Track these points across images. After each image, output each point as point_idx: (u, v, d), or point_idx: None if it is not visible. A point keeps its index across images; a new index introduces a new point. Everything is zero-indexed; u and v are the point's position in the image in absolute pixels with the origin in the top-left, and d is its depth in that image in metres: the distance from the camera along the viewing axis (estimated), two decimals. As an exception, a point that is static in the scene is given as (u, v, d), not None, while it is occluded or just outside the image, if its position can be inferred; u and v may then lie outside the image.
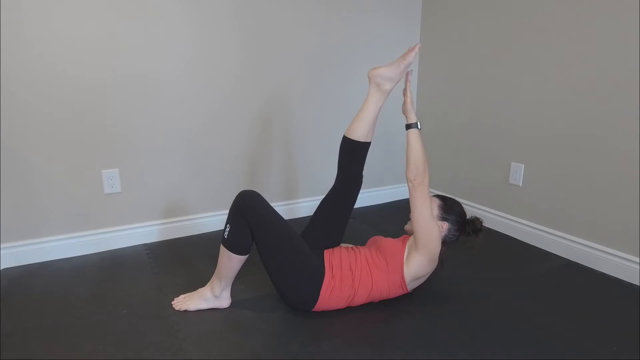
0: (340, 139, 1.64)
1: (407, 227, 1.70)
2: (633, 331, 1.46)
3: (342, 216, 1.67)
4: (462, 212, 1.64)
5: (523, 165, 2.22)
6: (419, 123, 1.55)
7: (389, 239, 1.63)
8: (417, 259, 1.51)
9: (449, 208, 1.62)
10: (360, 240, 2.16)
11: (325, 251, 1.60)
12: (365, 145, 1.60)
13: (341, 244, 1.74)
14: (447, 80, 2.61)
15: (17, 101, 1.80)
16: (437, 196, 1.68)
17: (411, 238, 1.59)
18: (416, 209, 1.50)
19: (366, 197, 2.83)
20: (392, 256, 1.54)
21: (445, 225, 1.59)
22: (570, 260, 2.02)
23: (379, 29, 2.58)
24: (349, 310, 1.55)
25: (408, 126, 1.55)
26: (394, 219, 2.58)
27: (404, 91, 1.60)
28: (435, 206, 1.62)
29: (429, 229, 1.49)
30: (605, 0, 1.78)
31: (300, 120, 2.48)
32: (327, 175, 2.64)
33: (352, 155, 1.61)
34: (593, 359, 1.32)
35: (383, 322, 1.49)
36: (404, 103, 1.58)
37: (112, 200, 2.08)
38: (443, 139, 2.70)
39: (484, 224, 1.65)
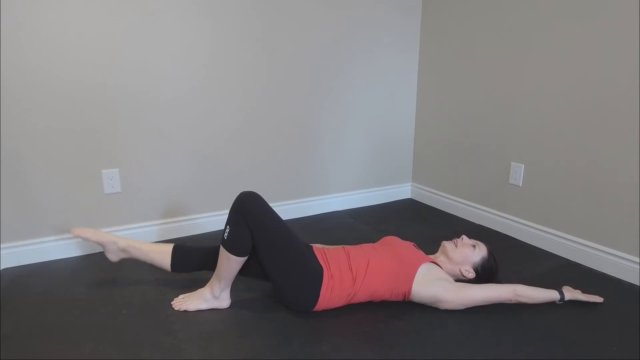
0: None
1: (446, 245, 1.69)
2: (633, 331, 1.46)
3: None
4: (493, 273, 1.66)
5: (523, 165, 2.21)
6: (564, 296, 1.60)
7: (408, 248, 1.62)
8: (443, 298, 1.52)
9: (487, 272, 1.64)
10: (360, 240, 2.16)
11: (315, 250, 1.59)
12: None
13: (313, 245, 1.70)
14: (447, 80, 2.61)
15: (17, 101, 1.80)
16: (490, 254, 1.67)
17: (438, 269, 1.58)
18: (485, 300, 1.54)
19: (366, 197, 2.83)
20: (407, 267, 1.53)
21: (471, 275, 1.62)
22: (570, 260, 2.02)
23: (379, 31, 2.58)
24: (349, 310, 1.55)
25: (561, 293, 1.59)
26: (394, 219, 2.58)
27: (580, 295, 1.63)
28: (479, 256, 1.63)
29: (474, 302, 1.54)
30: (605, 1, 1.78)
31: (302, 120, 2.48)
32: (327, 176, 2.64)
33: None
34: (593, 359, 1.32)
35: (383, 322, 1.49)
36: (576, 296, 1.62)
37: (112, 200, 2.08)
38: (443, 139, 2.70)
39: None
